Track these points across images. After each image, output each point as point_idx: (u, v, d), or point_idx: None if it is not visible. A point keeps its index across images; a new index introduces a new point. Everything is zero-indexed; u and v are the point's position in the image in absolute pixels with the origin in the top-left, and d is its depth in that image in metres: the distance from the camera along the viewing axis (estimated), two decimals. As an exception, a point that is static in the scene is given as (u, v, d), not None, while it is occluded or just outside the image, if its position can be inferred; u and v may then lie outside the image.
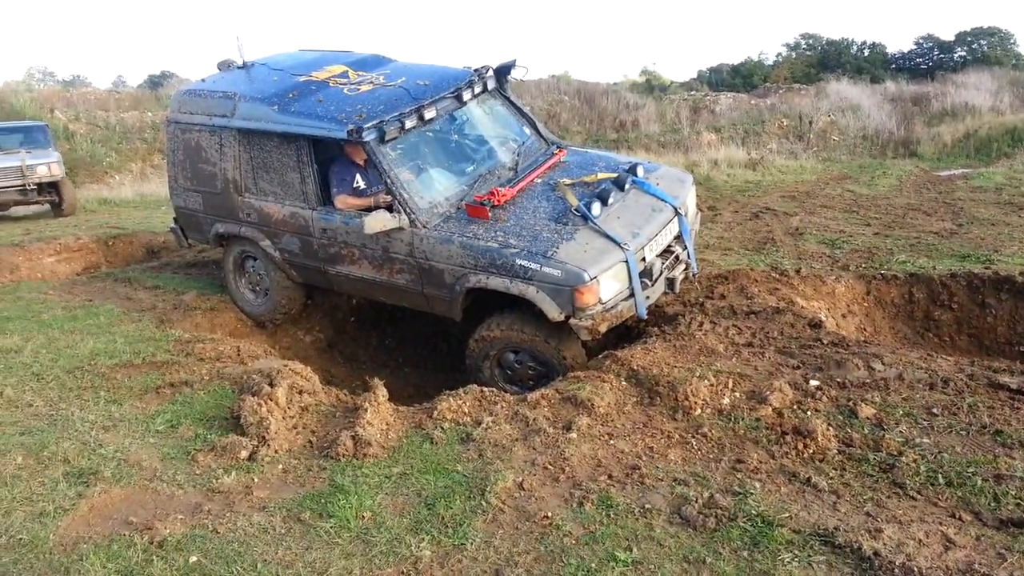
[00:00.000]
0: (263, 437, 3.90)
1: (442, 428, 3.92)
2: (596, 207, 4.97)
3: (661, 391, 4.07)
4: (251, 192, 5.84)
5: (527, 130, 5.99)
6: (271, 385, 4.34)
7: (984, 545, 2.73)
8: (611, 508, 3.12)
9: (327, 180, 5.51)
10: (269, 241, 5.89)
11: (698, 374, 4.16)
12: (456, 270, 4.95)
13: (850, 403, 3.79)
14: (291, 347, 6.43)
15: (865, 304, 6.00)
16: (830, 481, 3.21)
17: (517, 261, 4.71)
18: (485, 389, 4.38)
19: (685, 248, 5.37)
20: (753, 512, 2.99)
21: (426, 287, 5.19)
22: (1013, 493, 3.01)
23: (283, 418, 4.11)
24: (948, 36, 37.19)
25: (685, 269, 5.32)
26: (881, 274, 6.08)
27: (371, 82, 5.72)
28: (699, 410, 3.89)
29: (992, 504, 2.98)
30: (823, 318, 5.40)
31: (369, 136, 4.98)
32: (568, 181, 5.35)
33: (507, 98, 6.04)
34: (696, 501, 3.11)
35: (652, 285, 4.93)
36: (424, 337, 6.84)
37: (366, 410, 4.07)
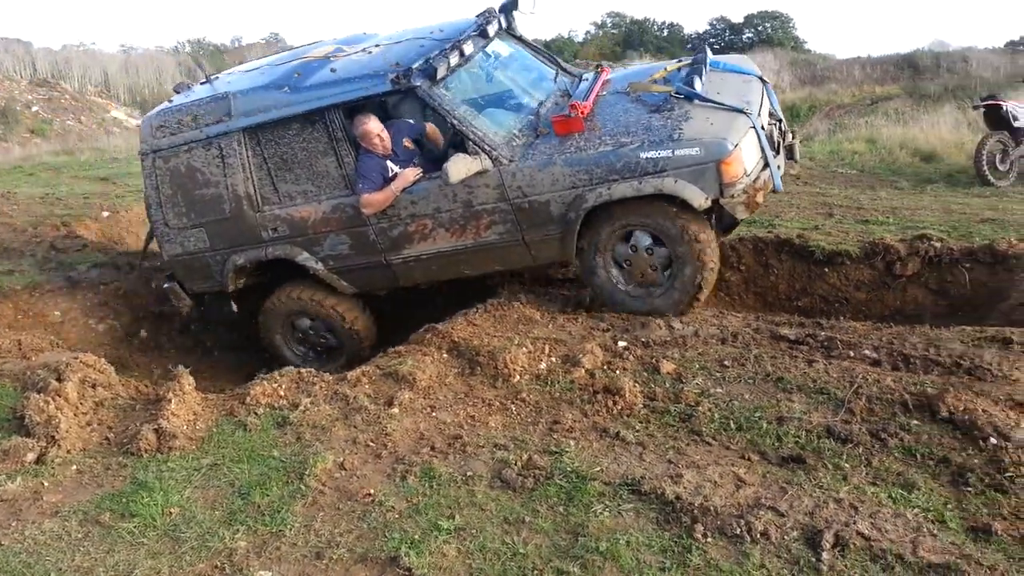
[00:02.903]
0: (52, 437, 3.57)
1: (256, 414, 3.77)
2: (698, 83, 4.59)
3: (482, 361, 4.14)
4: (272, 202, 4.98)
5: (549, 65, 5.57)
6: (59, 380, 3.97)
7: (769, 481, 3.02)
8: (434, 479, 3.15)
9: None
10: (307, 253, 5.01)
11: (516, 342, 4.26)
12: (565, 195, 4.43)
13: (653, 360, 4.05)
14: (82, 338, 5.88)
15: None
16: (636, 434, 3.42)
17: (641, 155, 4.26)
18: (303, 370, 4.25)
19: (779, 120, 5.06)
20: (568, 469, 3.13)
21: (528, 232, 4.62)
22: (792, 432, 3.35)
23: (75, 415, 3.78)
24: (738, 18, 40.40)
25: (793, 136, 5.03)
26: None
27: (377, 45, 5.14)
28: (518, 377, 4.00)
29: (776, 444, 3.30)
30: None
31: (419, 79, 4.45)
32: (640, 83, 4.93)
33: (519, 37, 5.56)
34: (515, 464, 3.20)
35: (777, 154, 4.60)
36: (235, 318, 6.48)
37: (170, 400, 3.82)
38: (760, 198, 4.33)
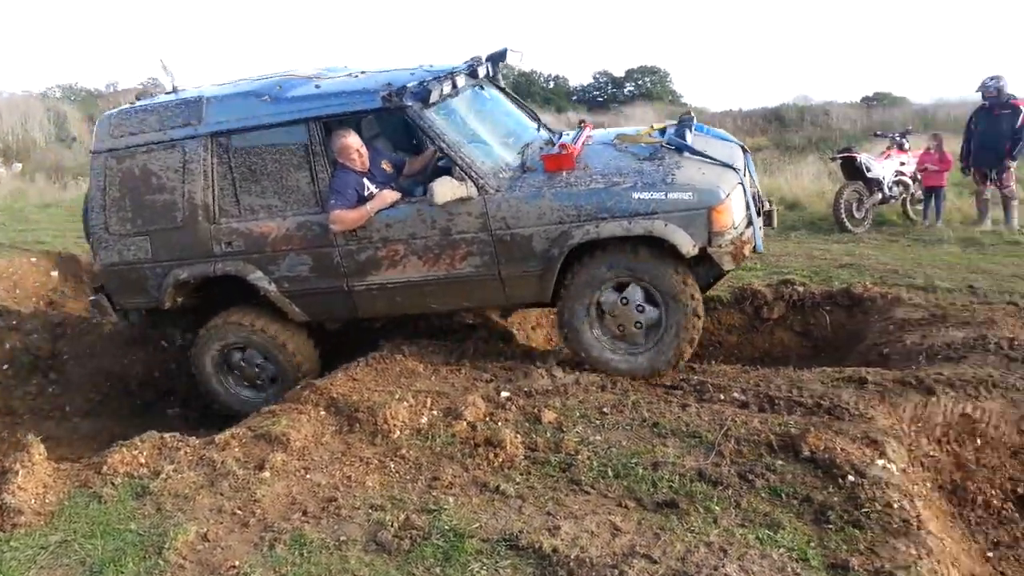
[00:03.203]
0: None
1: (113, 484, 3.52)
2: (689, 136, 4.61)
3: (361, 417, 4.04)
4: (231, 215, 4.71)
5: (530, 118, 5.53)
6: None
7: (644, 528, 3.06)
8: (304, 546, 3.02)
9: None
10: (261, 272, 4.73)
11: (398, 397, 4.19)
12: (551, 230, 4.30)
13: (535, 410, 4.06)
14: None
15: (551, 316, 6.50)
16: (517, 486, 3.40)
17: (634, 195, 4.19)
18: (166, 435, 4.01)
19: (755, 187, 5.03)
20: (446, 527, 3.06)
21: (506, 266, 4.44)
22: (667, 477, 3.41)
23: (-99, 496, 3.40)
24: (620, 72, 42.22)
25: (770, 203, 5.01)
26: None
27: (363, 72, 5.02)
28: (398, 432, 3.92)
29: (651, 489, 3.35)
30: (515, 332, 5.76)
31: (411, 100, 4.34)
32: (629, 135, 4.90)
33: (503, 88, 5.54)
34: (392, 525, 3.11)
35: (758, 216, 4.56)
36: (97, 379, 6.08)
37: (17, 473, 3.52)
38: (746, 251, 4.33)
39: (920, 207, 10.36)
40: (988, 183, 9.68)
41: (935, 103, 25.61)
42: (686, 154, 4.49)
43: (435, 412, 4.08)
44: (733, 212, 4.25)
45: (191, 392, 5.96)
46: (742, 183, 4.41)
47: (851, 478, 3.26)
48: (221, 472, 3.59)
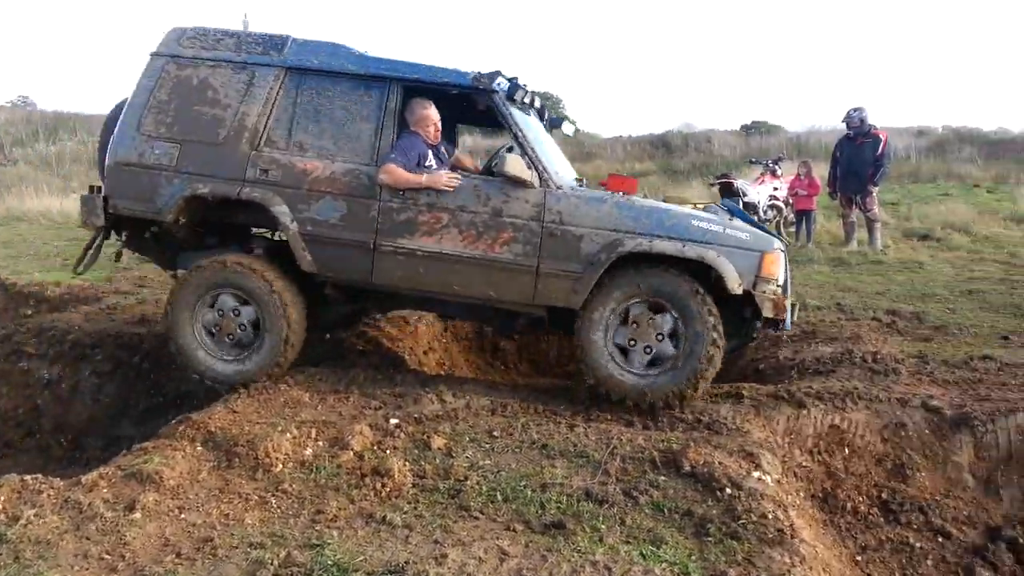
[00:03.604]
0: None
1: (-38, 535, 3.22)
2: (739, 203, 4.72)
3: (240, 451, 3.87)
4: (277, 147, 4.67)
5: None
6: None
7: (531, 550, 3.06)
8: (176, 590, 2.84)
9: None
10: (287, 207, 4.57)
11: (280, 428, 4.05)
12: (603, 235, 4.33)
13: (424, 436, 4.01)
14: None
15: (444, 340, 6.48)
16: (404, 516, 3.33)
17: (693, 222, 4.33)
18: (27, 477, 3.71)
19: None
20: (329, 562, 2.96)
21: (546, 261, 4.39)
22: (555, 498, 3.44)
23: None
24: (514, 100, 42.77)
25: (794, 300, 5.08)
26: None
27: None
28: (280, 466, 3.78)
29: (539, 511, 3.37)
30: (406, 357, 5.70)
31: (499, 88, 4.51)
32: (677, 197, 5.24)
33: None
34: (272, 563, 2.98)
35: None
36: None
37: None
38: (785, 306, 4.36)
39: (792, 229, 10.99)
40: (853, 207, 10.39)
41: (807, 131, 27.28)
42: (737, 218, 4.72)
43: (320, 443, 3.97)
44: (779, 268, 4.39)
45: (58, 431, 5.60)
46: (784, 252, 4.58)
47: (729, 491, 3.39)
48: (88, 515, 3.35)
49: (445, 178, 4.53)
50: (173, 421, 4.28)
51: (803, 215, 10.87)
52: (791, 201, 11.02)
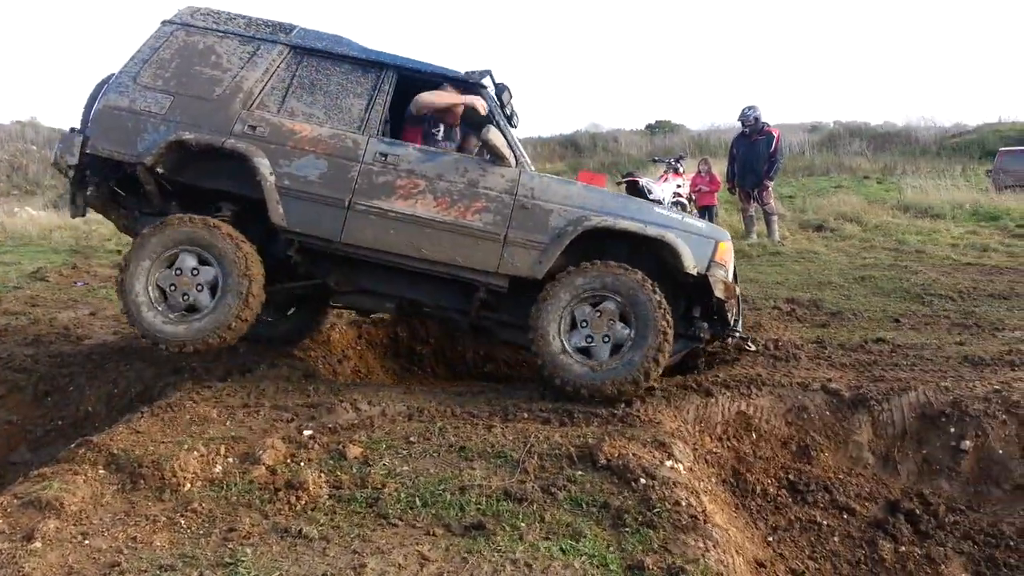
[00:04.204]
0: None
1: None
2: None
3: (146, 472, 3.70)
4: (268, 109, 4.84)
5: None
6: None
7: (452, 554, 3.05)
8: (80, 622, 2.70)
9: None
10: (267, 161, 4.68)
11: (187, 446, 3.90)
12: (571, 211, 4.64)
13: (340, 446, 3.94)
14: None
15: (358, 347, 6.39)
16: (321, 528, 3.27)
17: (655, 209, 4.80)
18: (-89, 511, 3.46)
19: None
20: (243, 581, 2.88)
21: (514, 231, 4.64)
22: (474, 500, 3.44)
23: None
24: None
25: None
26: (371, 319, 6.55)
27: None
28: (189, 485, 3.64)
29: (459, 514, 3.36)
30: (319, 367, 5.59)
31: (488, 84, 4.95)
32: None
33: None
34: (183, 586, 2.88)
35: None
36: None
37: None
38: (735, 293, 4.73)
39: (697, 224, 11.30)
40: (752, 201, 10.81)
41: (708, 129, 28.28)
42: (688, 214, 5.29)
43: (230, 459, 3.85)
44: (729, 260, 4.73)
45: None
46: (731, 249, 4.86)
47: (643, 481, 3.47)
48: (-21, 550, 3.15)
49: (479, 104, 4.94)
50: (73, 444, 4.06)
51: (705, 210, 11.24)
52: (694, 197, 11.38)
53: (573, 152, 28.64)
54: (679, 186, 11.29)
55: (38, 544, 3.20)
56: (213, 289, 4.67)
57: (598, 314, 4.54)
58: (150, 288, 4.66)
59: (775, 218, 10.82)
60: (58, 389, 5.48)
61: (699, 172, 11.44)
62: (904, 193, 14.59)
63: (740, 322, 5.00)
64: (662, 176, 11.42)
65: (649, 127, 32.66)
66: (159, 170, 4.79)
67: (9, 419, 5.45)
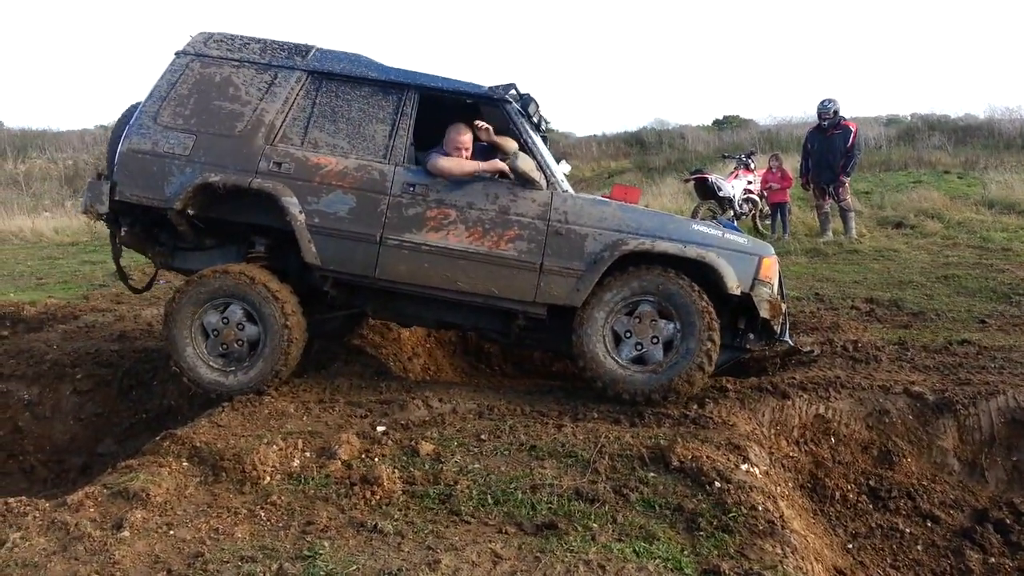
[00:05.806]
0: None
1: (-55, 563, 3.16)
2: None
3: (227, 465, 3.83)
4: (292, 143, 4.76)
5: None
6: None
7: (524, 552, 3.05)
8: (168, 608, 2.81)
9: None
10: (297, 199, 4.62)
11: (267, 440, 4.01)
12: (607, 235, 4.49)
13: (412, 442, 4.00)
14: None
15: (427, 345, 6.46)
16: (395, 523, 3.32)
17: (693, 227, 4.61)
18: (11, 500, 3.66)
19: None
20: (322, 573, 2.94)
21: (550, 259, 4.51)
22: (545, 499, 3.44)
23: None
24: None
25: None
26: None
27: None
28: (268, 478, 3.75)
29: (531, 513, 3.37)
30: (390, 364, 5.67)
31: (513, 99, 4.77)
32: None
33: None
34: (264, 576, 2.96)
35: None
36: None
37: None
38: (782, 310, 4.56)
39: (768, 222, 11.06)
40: (827, 197, 10.49)
41: (777, 124, 27.52)
42: (734, 230, 4.95)
43: (307, 453, 3.94)
44: (774, 274, 4.56)
45: (40, 451, 5.52)
46: (776, 262, 4.70)
47: (718, 484, 3.41)
48: (75, 535, 3.30)
49: (500, 165, 4.68)
50: (157, 437, 4.23)
51: (778, 207, 10.97)
52: (765, 194, 11.11)
53: (638, 150, 28.28)
54: (750, 183, 11.04)
55: (126, 533, 3.34)
56: (253, 345, 4.74)
57: (637, 320, 4.46)
58: (197, 340, 4.73)
59: (852, 215, 10.49)
60: (142, 383, 5.72)
61: (770, 168, 11.15)
62: (988, 188, 13.94)
63: (787, 331, 4.80)
64: (732, 173, 11.18)
65: (717, 122, 32.02)
66: (189, 212, 4.76)
67: (96, 412, 5.73)
